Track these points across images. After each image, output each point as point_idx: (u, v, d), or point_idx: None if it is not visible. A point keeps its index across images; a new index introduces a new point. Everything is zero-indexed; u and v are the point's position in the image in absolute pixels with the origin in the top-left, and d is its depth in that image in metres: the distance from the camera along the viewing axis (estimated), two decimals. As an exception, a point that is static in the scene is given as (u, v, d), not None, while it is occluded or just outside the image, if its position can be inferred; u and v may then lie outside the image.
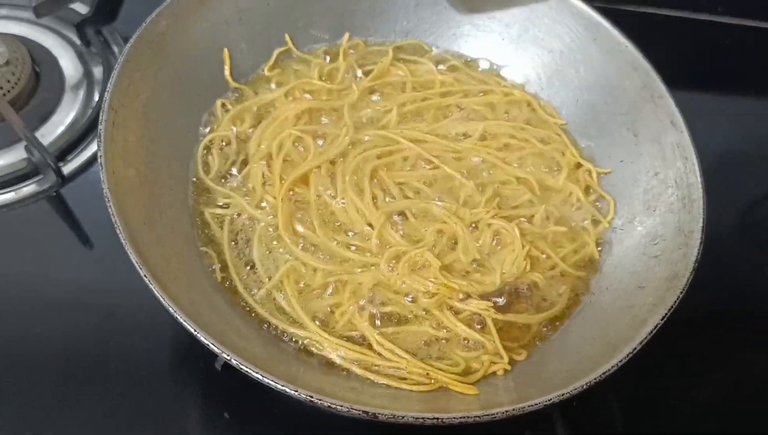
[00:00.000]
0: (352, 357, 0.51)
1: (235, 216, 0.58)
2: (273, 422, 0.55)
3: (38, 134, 0.68)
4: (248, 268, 0.56)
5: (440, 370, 0.51)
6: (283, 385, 0.42)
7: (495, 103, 0.69)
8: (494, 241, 0.59)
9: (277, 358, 0.50)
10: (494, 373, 0.53)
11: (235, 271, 0.55)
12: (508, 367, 0.53)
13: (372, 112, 0.66)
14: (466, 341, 0.54)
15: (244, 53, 0.67)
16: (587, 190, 0.65)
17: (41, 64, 0.73)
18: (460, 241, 0.58)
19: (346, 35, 0.72)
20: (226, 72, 0.65)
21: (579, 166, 0.66)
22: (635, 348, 0.46)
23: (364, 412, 0.42)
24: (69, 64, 0.74)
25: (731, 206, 0.76)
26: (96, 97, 0.72)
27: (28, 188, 0.65)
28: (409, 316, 0.54)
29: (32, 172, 0.65)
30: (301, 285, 0.55)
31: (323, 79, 0.67)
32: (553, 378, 0.49)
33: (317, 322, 0.53)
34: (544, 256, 0.59)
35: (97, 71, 0.74)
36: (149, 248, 0.48)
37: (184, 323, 0.43)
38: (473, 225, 0.59)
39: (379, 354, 0.52)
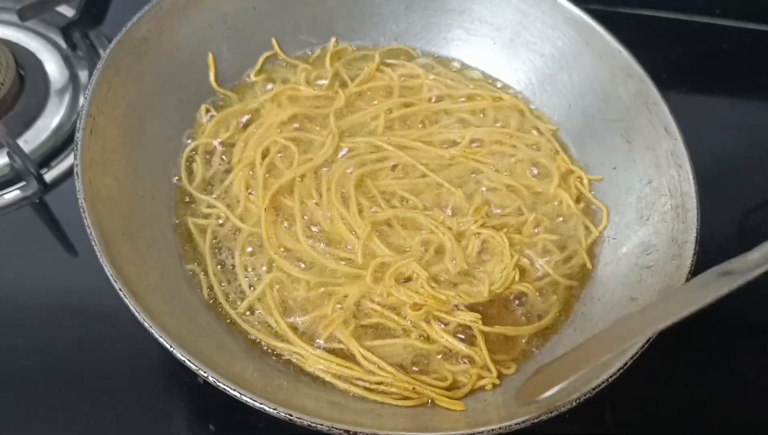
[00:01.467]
0: (336, 371, 0.50)
1: (218, 225, 0.57)
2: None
3: (22, 140, 0.67)
4: (230, 279, 0.55)
5: (427, 384, 0.50)
6: (261, 403, 0.41)
7: (484, 108, 0.67)
8: (482, 251, 0.58)
9: (259, 373, 0.49)
10: (482, 387, 0.51)
11: (217, 281, 0.54)
12: (497, 382, 0.52)
13: (358, 118, 0.64)
14: (453, 354, 0.53)
15: (230, 58, 0.65)
16: (579, 197, 0.63)
17: (26, 67, 0.72)
18: (447, 251, 0.57)
19: (333, 39, 0.70)
20: (211, 77, 0.64)
21: (570, 172, 0.64)
22: (626, 363, 0.45)
23: (345, 431, 0.41)
24: (54, 68, 0.73)
25: (728, 212, 0.74)
26: (81, 102, 0.71)
27: (11, 194, 0.64)
28: (395, 329, 0.53)
29: (16, 178, 0.64)
30: (285, 296, 0.54)
31: (310, 84, 0.66)
32: (543, 393, 0.48)
33: (300, 335, 0.52)
34: (533, 265, 0.58)
35: (83, 75, 0.73)
36: (127, 259, 0.47)
37: (159, 338, 0.43)
38: (461, 234, 0.58)
39: (364, 368, 0.51)
